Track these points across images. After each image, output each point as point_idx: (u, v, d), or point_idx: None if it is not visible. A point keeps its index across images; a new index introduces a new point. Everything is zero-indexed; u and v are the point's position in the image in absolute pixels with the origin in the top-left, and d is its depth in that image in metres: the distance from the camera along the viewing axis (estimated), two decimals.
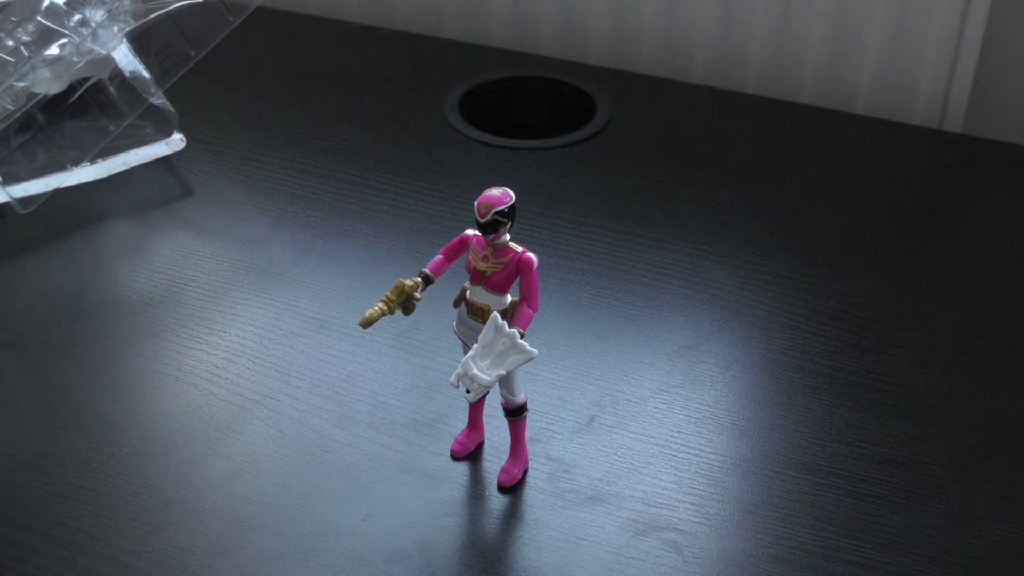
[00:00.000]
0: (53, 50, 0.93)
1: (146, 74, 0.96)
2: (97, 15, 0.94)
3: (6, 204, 0.92)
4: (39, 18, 0.94)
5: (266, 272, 0.87)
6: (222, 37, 0.98)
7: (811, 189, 0.97)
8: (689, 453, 0.72)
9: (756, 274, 0.87)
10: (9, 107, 0.94)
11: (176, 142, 0.99)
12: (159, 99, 0.97)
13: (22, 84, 0.94)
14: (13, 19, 0.95)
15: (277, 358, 0.79)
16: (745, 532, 0.67)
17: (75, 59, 0.94)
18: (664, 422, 0.74)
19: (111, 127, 0.95)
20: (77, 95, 0.95)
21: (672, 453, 0.72)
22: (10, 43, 0.93)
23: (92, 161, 0.95)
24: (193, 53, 0.98)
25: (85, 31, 0.93)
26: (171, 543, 0.66)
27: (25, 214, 0.92)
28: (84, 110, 0.96)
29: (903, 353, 0.80)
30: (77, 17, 0.93)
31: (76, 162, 0.94)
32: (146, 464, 0.71)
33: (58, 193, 0.93)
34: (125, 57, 0.95)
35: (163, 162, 0.99)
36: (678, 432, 0.73)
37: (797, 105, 1.09)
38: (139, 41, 0.96)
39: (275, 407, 0.75)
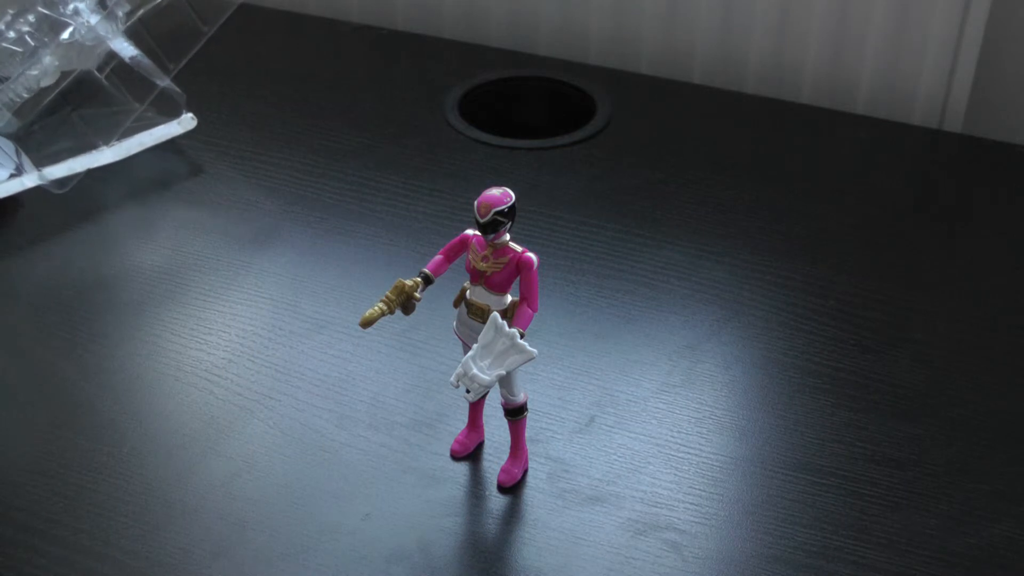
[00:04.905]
0: (64, 35, 0.93)
1: (151, 59, 0.96)
2: (94, 2, 0.94)
3: (37, 188, 0.93)
4: (39, 7, 0.94)
5: (266, 272, 0.87)
6: (231, 11, 0.98)
7: (811, 189, 0.97)
8: (689, 453, 0.72)
9: (756, 274, 0.87)
10: (24, 95, 0.94)
11: (187, 121, 0.99)
12: (164, 81, 0.97)
13: (34, 72, 0.94)
14: (11, 11, 0.95)
15: (277, 358, 0.79)
16: (745, 532, 0.67)
17: (87, 43, 0.94)
18: (664, 422, 0.74)
19: (130, 109, 0.96)
20: (82, 80, 0.95)
21: (672, 453, 0.72)
22: (12, 34, 0.93)
23: (109, 144, 0.95)
24: (205, 29, 0.98)
25: (84, 19, 0.93)
26: (171, 543, 0.66)
27: (29, 209, 0.92)
28: (98, 95, 0.96)
29: (903, 353, 0.80)
30: (72, 6, 0.94)
31: (105, 141, 0.94)
32: (146, 464, 0.71)
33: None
34: (132, 42, 0.96)
35: (162, 161, 0.99)
36: (678, 432, 0.73)
37: (797, 105, 1.09)
38: (151, 21, 0.96)
39: (275, 407, 0.75)
